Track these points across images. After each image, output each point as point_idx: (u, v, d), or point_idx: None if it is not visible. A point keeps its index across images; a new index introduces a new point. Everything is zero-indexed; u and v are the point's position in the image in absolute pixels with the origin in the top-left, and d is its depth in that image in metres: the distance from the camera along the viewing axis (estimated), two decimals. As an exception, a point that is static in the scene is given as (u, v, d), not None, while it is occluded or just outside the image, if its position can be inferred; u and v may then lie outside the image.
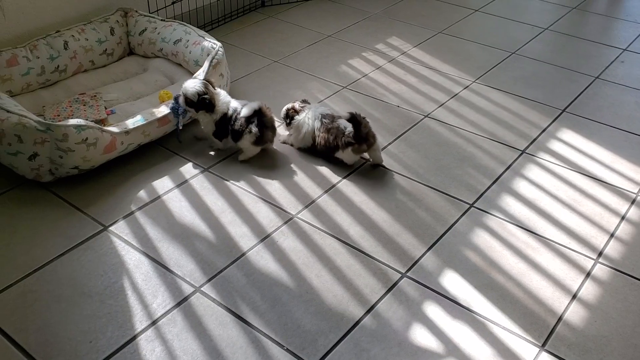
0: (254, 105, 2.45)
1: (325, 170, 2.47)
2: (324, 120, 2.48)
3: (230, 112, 2.45)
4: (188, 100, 2.41)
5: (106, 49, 2.94)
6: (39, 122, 2.21)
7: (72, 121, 2.25)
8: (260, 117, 2.43)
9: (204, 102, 2.40)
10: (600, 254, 2.11)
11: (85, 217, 2.18)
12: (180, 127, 2.49)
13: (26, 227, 2.13)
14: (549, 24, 3.85)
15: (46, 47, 2.72)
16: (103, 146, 2.30)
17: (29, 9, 2.75)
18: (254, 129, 2.41)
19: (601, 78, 3.22)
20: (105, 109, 2.62)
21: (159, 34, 2.96)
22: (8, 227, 2.12)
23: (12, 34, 2.72)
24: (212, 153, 2.54)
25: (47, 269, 1.96)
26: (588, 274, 2.02)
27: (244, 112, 2.44)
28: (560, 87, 3.14)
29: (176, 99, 2.47)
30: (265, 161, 2.51)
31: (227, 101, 2.48)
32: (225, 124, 2.46)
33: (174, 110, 2.48)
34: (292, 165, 2.49)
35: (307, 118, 2.51)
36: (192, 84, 2.42)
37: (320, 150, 2.50)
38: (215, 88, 2.49)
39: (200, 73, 2.64)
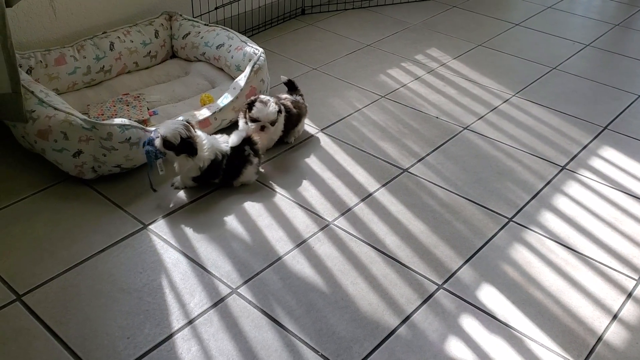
0: (242, 133, 2.33)
1: (361, 178, 2.47)
2: (286, 103, 2.59)
3: (219, 156, 2.28)
4: (167, 143, 2.16)
5: (150, 51, 2.99)
6: (85, 120, 2.26)
7: (117, 120, 2.29)
8: (251, 145, 2.34)
9: (187, 144, 2.17)
10: (642, 274, 2.07)
11: (126, 215, 2.21)
12: (161, 172, 2.24)
13: (68, 222, 2.17)
14: (591, 40, 3.80)
15: (93, 48, 2.78)
16: (145, 146, 2.34)
17: (78, 10, 2.82)
18: (254, 159, 2.34)
19: (645, 96, 3.17)
20: (148, 110, 2.67)
21: (202, 38, 3.00)
22: (51, 222, 2.17)
23: (61, 33, 2.79)
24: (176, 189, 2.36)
25: (87, 264, 2.00)
26: (629, 295, 1.98)
27: (233, 140, 2.31)
28: (602, 104, 3.09)
29: (151, 142, 2.19)
30: (302, 168, 2.52)
31: (212, 143, 2.27)
32: (216, 168, 2.29)
33: (149, 154, 2.19)
34: (328, 173, 2.49)
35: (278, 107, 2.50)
36: (173, 126, 2.16)
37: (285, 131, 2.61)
38: (196, 130, 2.27)
39: (242, 78, 2.67)
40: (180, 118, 2.37)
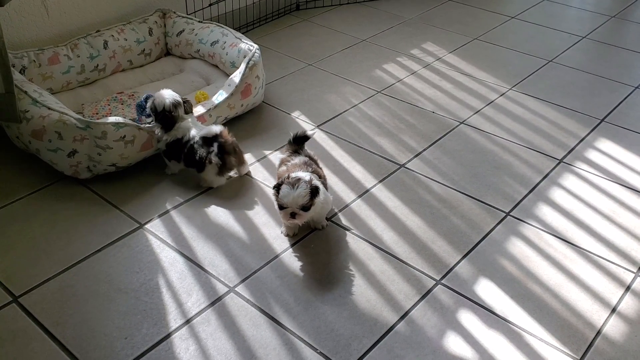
0: (215, 129, 2.27)
1: (358, 174, 2.46)
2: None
3: (186, 138, 2.29)
4: (153, 106, 2.30)
5: (144, 49, 2.98)
6: (79, 120, 2.24)
7: (111, 119, 2.28)
8: (220, 144, 2.24)
9: (165, 118, 2.28)
10: (640, 267, 2.06)
11: (122, 214, 2.20)
12: (140, 126, 2.33)
13: (64, 222, 2.16)
14: (587, 33, 3.79)
15: (86, 46, 2.76)
16: (140, 144, 2.33)
17: (71, 8, 2.80)
18: (214, 158, 2.23)
19: (641, 88, 3.17)
20: (143, 108, 2.66)
21: (196, 35, 2.99)
22: (47, 222, 2.16)
23: (54, 32, 2.78)
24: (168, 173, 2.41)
25: (84, 265, 1.99)
26: (628, 288, 1.98)
27: (202, 132, 2.28)
28: (598, 96, 3.08)
29: (147, 98, 2.38)
30: (300, 164, 2.51)
31: (188, 127, 2.31)
32: (178, 149, 2.31)
33: (140, 107, 2.42)
34: (325, 170, 2.47)
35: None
36: (166, 94, 2.29)
37: None
38: (188, 113, 2.34)
39: (237, 74, 2.65)
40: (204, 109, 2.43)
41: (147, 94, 2.40)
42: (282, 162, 2.21)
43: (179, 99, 2.32)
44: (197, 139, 2.28)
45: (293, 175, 2.01)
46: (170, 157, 2.35)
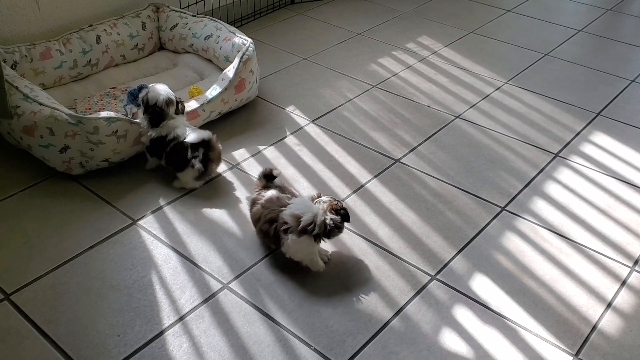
0: (203, 134, 2.24)
1: (353, 169, 2.44)
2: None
3: (170, 136, 2.23)
4: (145, 99, 2.24)
5: (137, 44, 2.95)
6: (71, 115, 2.22)
7: (103, 114, 2.26)
8: (207, 150, 2.23)
9: (154, 112, 2.22)
10: (636, 262, 2.05)
11: (115, 211, 2.18)
12: (132, 120, 2.30)
13: (57, 219, 2.14)
14: (583, 26, 3.77)
15: (79, 41, 2.74)
16: (132, 138, 2.31)
17: (63, 2, 2.77)
18: (198, 164, 2.21)
19: (637, 82, 3.15)
20: (136, 103, 2.63)
21: (189, 29, 2.96)
22: (39, 219, 2.14)
23: (46, 27, 2.75)
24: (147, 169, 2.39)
25: (76, 261, 1.97)
26: (623, 282, 1.97)
27: (190, 138, 2.23)
28: (594, 90, 3.07)
29: (141, 88, 2.34)
30: (294, 160, 2.49)
31: (175, 126, 2.25)
32: (160, 146, 2.26)
33: (131, 95, 2.40)
34: (320, 165, 2.47)
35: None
36: (162, 90, 2.24)
37: None
38: (179, 113, 2.29)
39: (231, 69, 2.63)
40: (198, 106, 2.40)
41: (141, 84, 2.39)
42: (254, 202, 2.03)
43: (173, 98, 2.27)
44: (181, 139, 2.23)
45: (323, 204, 1.91)
46: (153, 153, 2.31)
